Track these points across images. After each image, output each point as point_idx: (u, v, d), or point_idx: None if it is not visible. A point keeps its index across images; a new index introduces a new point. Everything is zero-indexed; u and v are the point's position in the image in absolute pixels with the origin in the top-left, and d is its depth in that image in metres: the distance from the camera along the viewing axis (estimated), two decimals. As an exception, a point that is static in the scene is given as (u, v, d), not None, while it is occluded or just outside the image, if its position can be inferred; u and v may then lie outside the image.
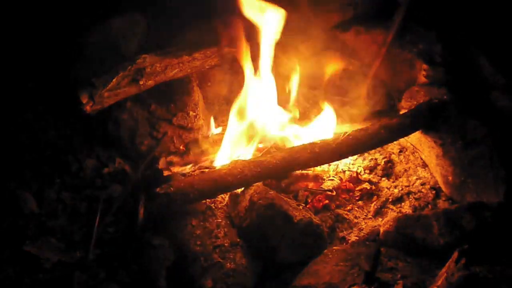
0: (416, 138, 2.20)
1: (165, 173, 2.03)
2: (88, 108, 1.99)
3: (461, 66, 2.27)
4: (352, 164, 2.25)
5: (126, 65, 2.07)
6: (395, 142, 2.27)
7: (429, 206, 2.02)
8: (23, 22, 2.25)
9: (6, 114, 2.15)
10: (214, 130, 2.33)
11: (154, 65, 2.12)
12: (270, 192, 1.85)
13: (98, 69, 2.06)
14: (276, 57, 2.22)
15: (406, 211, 2.02)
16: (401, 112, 2.22)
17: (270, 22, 2.11)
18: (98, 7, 2.29)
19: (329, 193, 2.05)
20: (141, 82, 2.10)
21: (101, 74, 2.03)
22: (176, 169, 2.14)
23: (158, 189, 1.79)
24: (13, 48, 2.24)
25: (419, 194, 2.08)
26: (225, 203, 1.98)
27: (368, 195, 2.10)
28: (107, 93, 2.03)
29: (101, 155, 2.13)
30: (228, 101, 2.54)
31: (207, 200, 1.92)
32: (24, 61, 2.23)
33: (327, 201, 2.02)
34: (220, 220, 1.87)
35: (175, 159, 2.15)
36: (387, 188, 2.13)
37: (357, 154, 2.23)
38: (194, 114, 2.28)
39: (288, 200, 1.89)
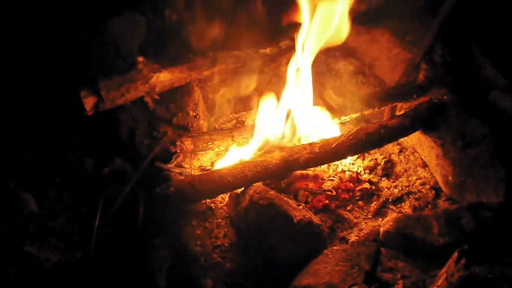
0: (416, 138, 2.20)
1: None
2: (90, 113, 2.02)
3: (461, 66, 2.27)
4: (352, 164, 2.25)
5: (134, 76, 2.09)
6: (395, 142, 2.27)
7: (429, 206, 2.02)
8: (23, 22, 2.25)
9: (6, 114, 2.15)
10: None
11: (163, 82, 2.16)
12: (270, 192, 1.86)
13: (99, 72, 2.07)
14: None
15: (406, 211, 2.02)
16: (401, 112, 2.22)
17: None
18: (98, 7, 2.29)
19: (329, 193, 2.05)
20: (146, 99, 2.13)
21: (106, 81, 2.03)
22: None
23: (158, 189, 1.79)
24: (14, 48, 2.24)
25: (419, 194, 2.08)
26: (225, 203, 1.98)
27: (368, 195, 2.10)
28: (110, 101, 2.04)
29: (101, 155, 2.13)
30: (229, 101, 2.54)
31: (207, 200, 1.92)
32: (24, 61, 2.24)
33: (327, 201, 2.02)
34: (220, 220, 1.87)
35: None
36: (387, 188, 2.13)
37: (357, 154, 2.23)
38: (194, 114, 2.28)
39: (288, 200, 1.89)
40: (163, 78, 2.15)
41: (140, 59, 2.15)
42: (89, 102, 2.00)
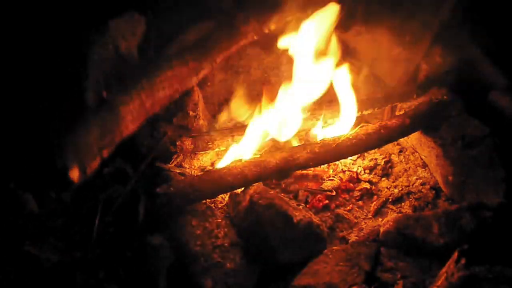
0: (416, 138, 2.20)
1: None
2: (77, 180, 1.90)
3: (461, 66, 2.27)
4: (352, 164, 2.25)
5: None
6: (395, 142, 2.27)
7: (429, 206, 2.02)
8: (24, 22, 2.25)
9: (5, 114, 2.15)
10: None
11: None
12: (270, 192, 1.86)
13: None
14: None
15: (406, 211, 2.02)
16: (401, 112, 2.22)
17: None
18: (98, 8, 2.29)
19: (329, 193, 2.05)
20: None
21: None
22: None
23: (158, 189, 1.79)
24: (14, 48, 2.24)
25: (419, 194, 2.08)
26: (225, 203, 1.98)
27: (368, 195, 2.11)
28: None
29: (101, 155, 2.13)
30: (228, 101, 2.54)
31: (207, 200, 1.92)
32: (25, 61, 2.23)
33: (327, 201, 2.03)
34: (220, 220, 1.87)
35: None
36: (387, 188, 2.13)
37: (357, 154, 2.23)
38: (194, 114, 2.28)
39: (288, 200, 1.89)
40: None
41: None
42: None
